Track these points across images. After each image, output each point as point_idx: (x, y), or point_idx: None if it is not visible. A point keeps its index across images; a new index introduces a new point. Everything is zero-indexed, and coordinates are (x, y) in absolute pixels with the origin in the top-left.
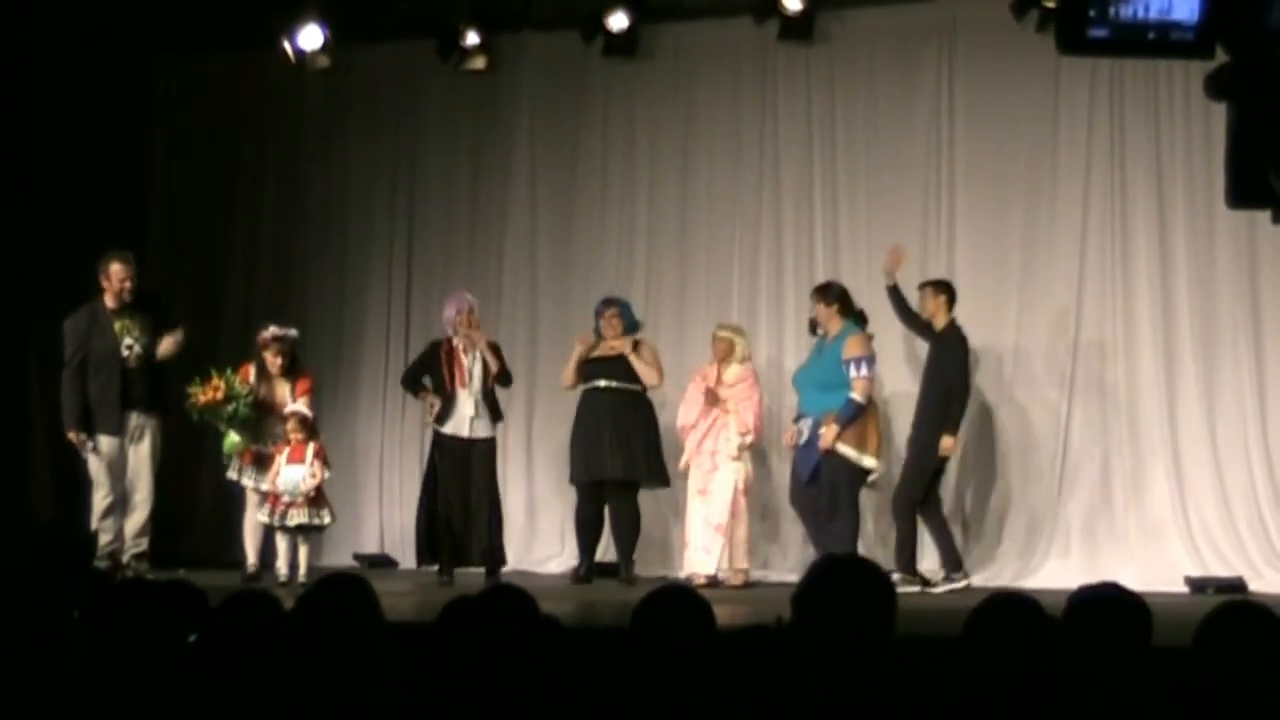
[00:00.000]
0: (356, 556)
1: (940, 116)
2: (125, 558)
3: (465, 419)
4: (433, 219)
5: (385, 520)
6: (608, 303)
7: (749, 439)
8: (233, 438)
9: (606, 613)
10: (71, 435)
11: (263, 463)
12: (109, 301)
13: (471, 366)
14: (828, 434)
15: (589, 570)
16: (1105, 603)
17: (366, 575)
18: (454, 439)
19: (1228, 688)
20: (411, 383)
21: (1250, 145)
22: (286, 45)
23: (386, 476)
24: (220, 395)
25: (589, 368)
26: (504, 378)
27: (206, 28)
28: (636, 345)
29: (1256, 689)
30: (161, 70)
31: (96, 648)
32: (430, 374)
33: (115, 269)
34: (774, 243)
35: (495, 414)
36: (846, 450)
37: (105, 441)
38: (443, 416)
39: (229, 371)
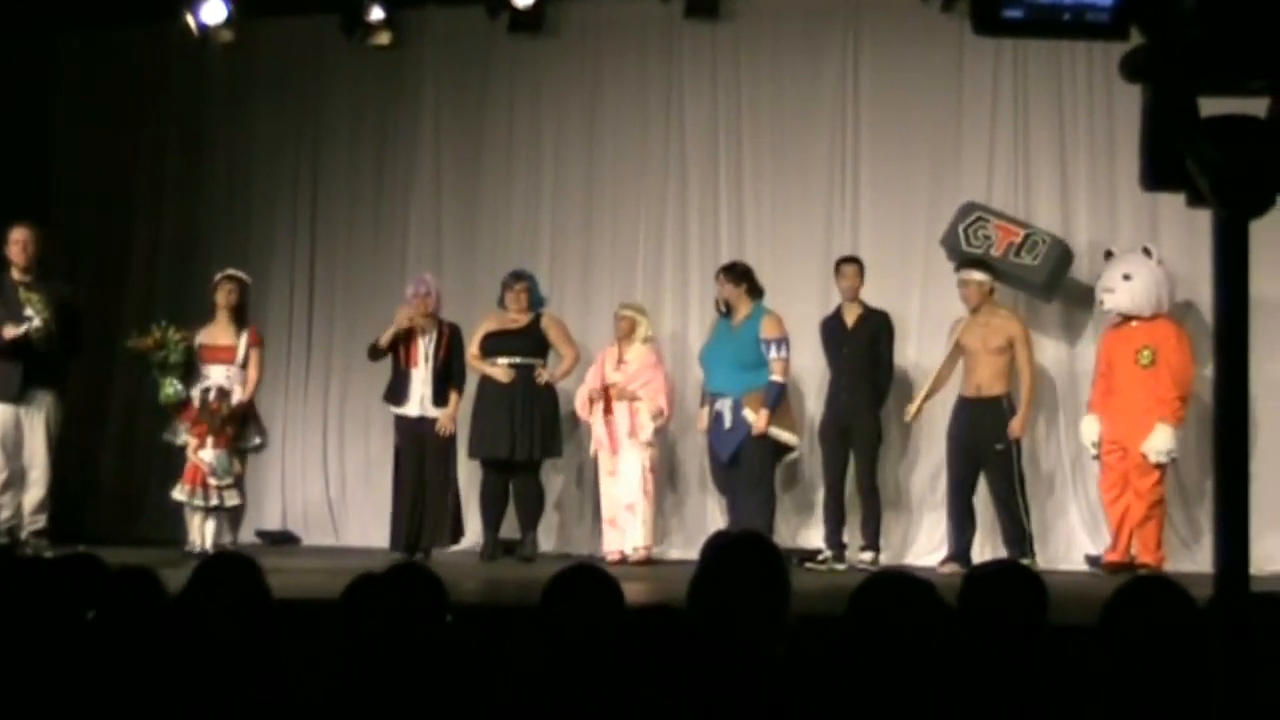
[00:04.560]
0: (259, 533)
1: (845, 94)
2: (24, 534)
3: (416, 398)
4: (337, 194)
5: (288, 497)
6: (517, 276)
7: (661, 421)
8: (167, 390)
9: (511, 591)
10: None
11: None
12: (15, 274)
13: (428, 348)
14: (760, 420)
15: (495, 547)
16: (1000, 579)
17: (268, 552)
18: (406, 419)
19: (1136, 662)
20: (372, 352)
21: (1165, 128)
22: (190, 19)
23: (289, 452)
24: (152, 342)
25: (491, 342)
26: (451, 375)
27: (108, 0)
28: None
29: (1166, 663)
30: (62, 44)
31: None
32: (392, 353)
33: (12, 234)
34: (679, 219)
35: (445, 395)
36: (775, 431)
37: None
38: (397, 397)
39: (164, 322)
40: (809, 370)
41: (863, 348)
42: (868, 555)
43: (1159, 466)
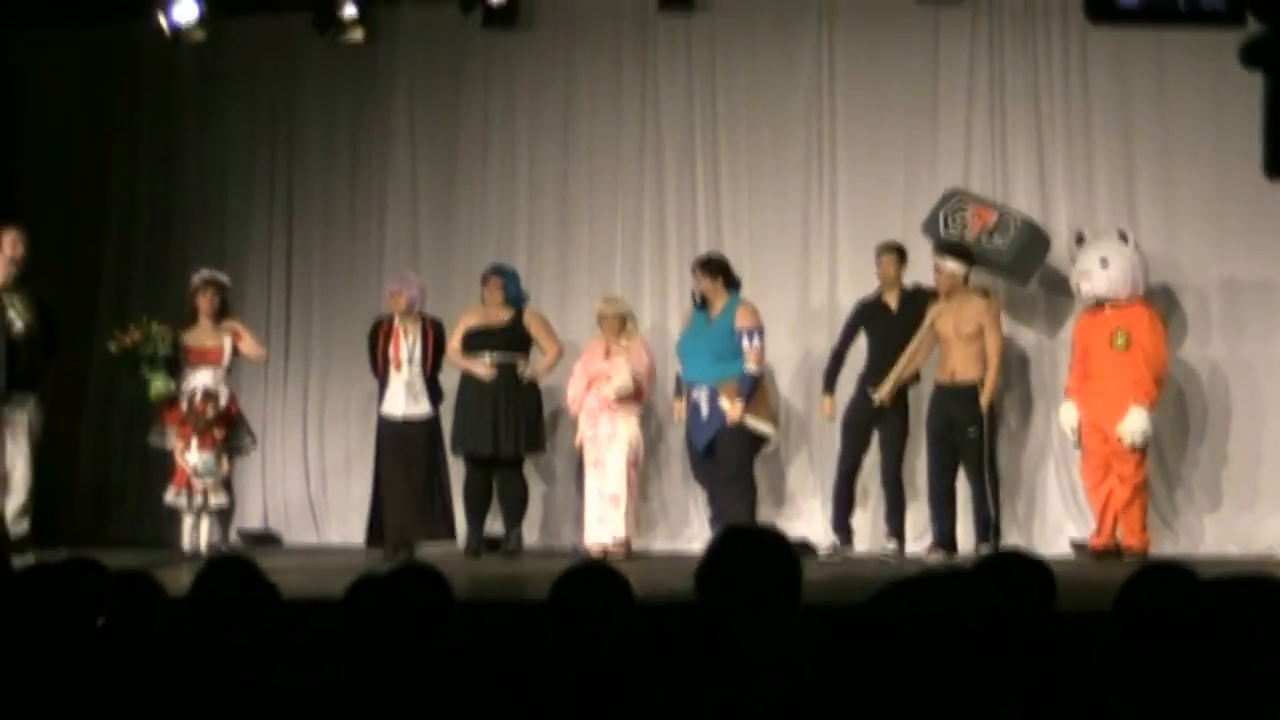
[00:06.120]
0: (241, 533)
1: (820, 83)
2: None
3: (399, 400)
4: (312, 192)
5: (268, 495)
6: (493, 270)
7: (627, 388)
8: (157, 384)
9: (498, 587)
10: None
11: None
12: None
13: (411, 349)
14: (734, 410)
15: (480, 543)
16: (1007, 566)
17: (252, 551)
18: (389, 420)
19: (1150, 650)
20: (371, 364)
21: None
22: (161, 19)
23: (269, 451)
24: (139, 337)
25: (474, 338)
26: (432, 366)
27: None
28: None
29: (1179, 651)
30: (32, 43)
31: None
32: (371, 353)
33: (8, 237)
34: (656, 211)
35: (435, 395)
36: (751, 422)
37: None
38: (381, 397)
39: (145, 317)
40: (785, 361)
41: (908, 330)
42: (892, 545)
43: (1136, 449)
